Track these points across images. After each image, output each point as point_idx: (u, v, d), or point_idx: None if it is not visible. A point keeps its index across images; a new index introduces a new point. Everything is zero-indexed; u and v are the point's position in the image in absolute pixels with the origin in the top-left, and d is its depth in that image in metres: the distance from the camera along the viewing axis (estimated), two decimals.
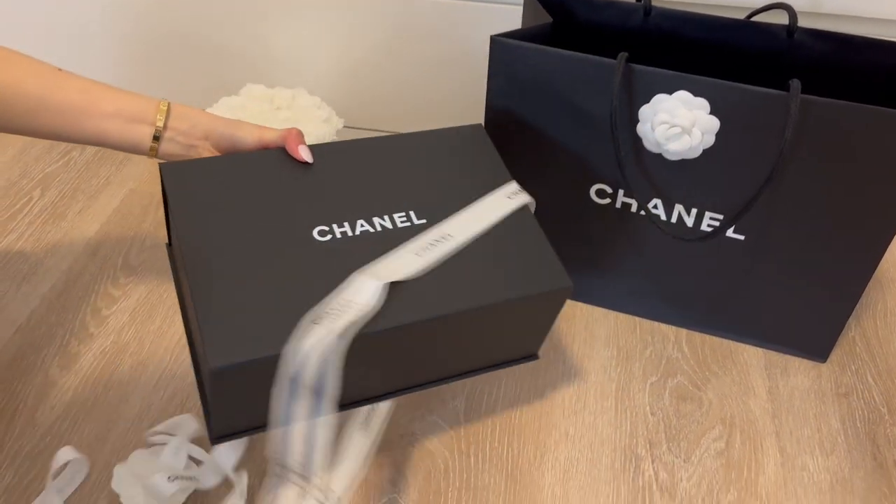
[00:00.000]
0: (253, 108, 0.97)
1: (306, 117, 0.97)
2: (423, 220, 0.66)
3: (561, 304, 0.68)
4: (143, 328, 0.91)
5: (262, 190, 0.65)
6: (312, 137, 0.94)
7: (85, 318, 0.92)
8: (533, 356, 0.76)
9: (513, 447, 0.80)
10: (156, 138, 0.68)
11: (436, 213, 0.67)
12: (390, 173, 0.69)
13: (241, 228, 0.62)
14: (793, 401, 0.85)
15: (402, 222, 0.66)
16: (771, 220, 0.79)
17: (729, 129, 0.74)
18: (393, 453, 0.79)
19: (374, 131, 1.11)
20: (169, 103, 0.69)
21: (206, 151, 0.70)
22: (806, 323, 0.87)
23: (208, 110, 0.96)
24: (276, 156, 0.68)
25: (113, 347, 0.88)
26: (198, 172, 0.65)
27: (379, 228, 0.64)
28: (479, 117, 1.06)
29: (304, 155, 0.67)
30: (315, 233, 0.63)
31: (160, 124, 0.67)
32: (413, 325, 0.60)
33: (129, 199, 1.10)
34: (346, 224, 0.64)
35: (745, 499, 0.76)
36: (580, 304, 0.96)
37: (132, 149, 0.68)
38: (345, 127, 1.10)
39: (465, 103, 1.06)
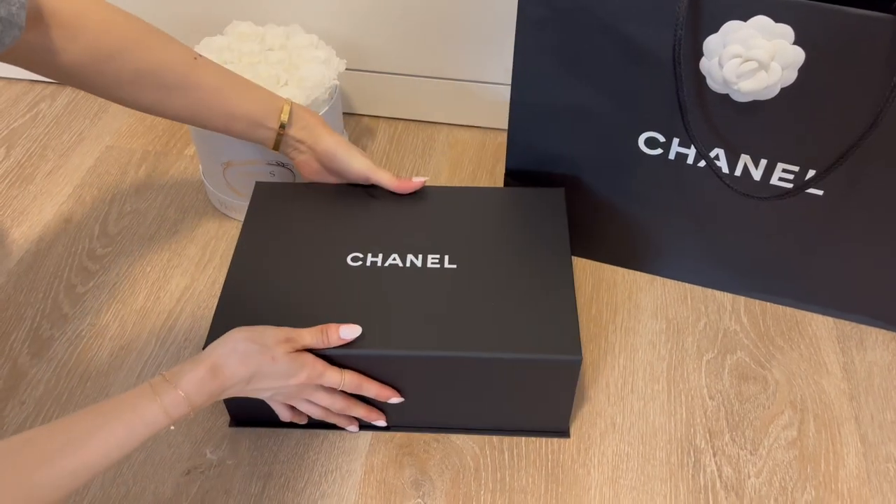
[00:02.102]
0: (240, 48, 0.83)
1: (302, 58, 0.84)
2: (454, 266, 0.68)
3: (573, 377, 0.63)
4: (124, 307, 0.80)
5: (325, 214, 0.73)
6: (310, 82, 0.80)
7: (58, 297, 0.80)
8: (562, 432, 0.70)
9: (552, 441, 0.69)
10: (276, 145, 0.72)
11: (471, 262, 0.68)
12: (446, 219, 0.72)
13: (289, 246, 0.70)
14: (872, 379, 0.74)
15: (433, 263, 0.68)
16: (860, 171, 0.66)
17: (816, 62, 0.61)
18: (415, 450, 0.68)
19: (380, 73, 0.98)
20: (291, 108, 0.71)
21: (312, 160, 0.74)
22: (886, 287, 0.75)
23: None
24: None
25: (90, 331, 0.77)
26: (284, 194, 0.75)
27: (408, 265, 0.68)
28: (505, 56, 0.93)
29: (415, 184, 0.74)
30: (349, 258, 0.69)
31: (279, 133, 0.71)
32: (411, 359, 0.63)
33: (105, 156, 0.97)
34: (379, 255, 0.68)
35: (824, 497, 0.65)
36: (622, 270, 0.84)
37: (254, 142, 0.73)
38: (347, 70, 0.96)
39: (489, 40, 0.92)
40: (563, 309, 0.64)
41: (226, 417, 0.70)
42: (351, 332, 0.62)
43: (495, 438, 0.69)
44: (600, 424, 0.70)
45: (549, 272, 0.67)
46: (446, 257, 0.68)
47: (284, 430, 0.69)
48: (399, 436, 0.69)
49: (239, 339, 0.58)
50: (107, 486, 0.65)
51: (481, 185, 0.93)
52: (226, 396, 0.58)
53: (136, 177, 0.94)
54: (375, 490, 0.66)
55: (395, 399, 0.65)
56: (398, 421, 0.69)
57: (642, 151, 0.73)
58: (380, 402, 0.65)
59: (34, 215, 0.89)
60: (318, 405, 0.64)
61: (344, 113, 0.99)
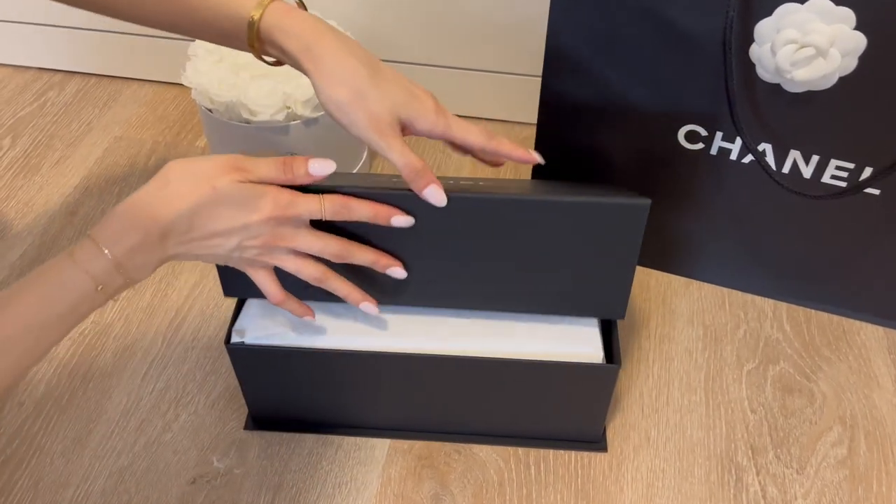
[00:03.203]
0: None
1: None
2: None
3: (638, 229, 0.52)
4: (129, 305, 0.76)
5: None
6: None
7: None
8: (599, 443, 0.65)
9: (582, 454, 0.64)
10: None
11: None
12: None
13: None
14: None
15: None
16: None
17: (878, 49, 0.56)
18: (434, 462, 0.64)
19: (401, 63, 0.94)
20: (262, 14, 0.51)
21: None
22: None
23: (191, 48, 0.79)
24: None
25: (93, 329, 0.73)
26: None
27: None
28: (532, 46, 0.88)
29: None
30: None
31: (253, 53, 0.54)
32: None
33: (113, 147, 0.94)
34: None
35: None
36: (656, 273, 0.79)
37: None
38: None
39: (517, 28, 0.88)
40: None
41: (235, 422, 0.66)
42: (323, 166, 0.48)
43: (521, 451, 0.64)
44: (634, 438, 0.66)
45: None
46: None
47: (297, 437, 0.65)
48: (418, 447, 0.65)
49: (169, 170, 0.46)
50: (108, 494, 0.61)
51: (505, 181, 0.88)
52: (173, 251, 0.47)
53: (146, 168, 0.91)
54: None
55: (402, 220, 0.50)
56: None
57: (682, 146, 0.68)
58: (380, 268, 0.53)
59: (39, 207, 0.85)
60: (307, 258, 0.51)
61: None
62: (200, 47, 0.78)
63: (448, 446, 0.65)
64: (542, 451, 0.64)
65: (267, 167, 0.48)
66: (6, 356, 0.42)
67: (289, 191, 0.49)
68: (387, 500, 0.62)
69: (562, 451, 0.64)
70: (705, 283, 0.78)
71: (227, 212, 0.47)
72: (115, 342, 0.72)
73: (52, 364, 0.70)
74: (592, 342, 0.59)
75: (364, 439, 0.65)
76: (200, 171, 0.46)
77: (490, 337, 0.59)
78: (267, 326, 0.60)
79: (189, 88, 0.77)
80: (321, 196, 0.49)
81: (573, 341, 0.59)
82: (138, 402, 0.68)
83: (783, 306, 0.76)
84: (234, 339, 0.60)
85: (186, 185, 0.46)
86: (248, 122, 0.75)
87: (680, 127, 0.67)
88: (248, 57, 0.75)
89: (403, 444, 0.65)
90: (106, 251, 0.44)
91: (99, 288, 0.45)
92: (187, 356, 0.71)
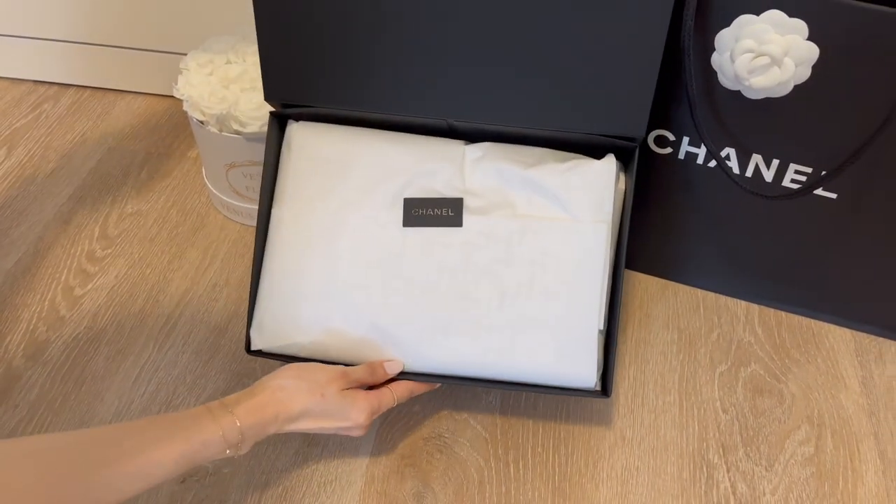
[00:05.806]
0: (246, 50, 0.82)
1: None
2: None
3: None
4: (122, 311, 0.78)
5: None
6: None
7: (55, 299, 0.79)
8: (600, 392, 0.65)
9: (559, 453, 0.67)
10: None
11: None
12: None
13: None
14: (892, 394, 0.72)
15: None
16: (874, 174, 0.64)
17: (830, 59, 0.59)
18: (417, 461, 0.66)
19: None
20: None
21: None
22: None
23: (190, 53, 0.81)
24: None
25: (87, 334, 0.75)
26: None
27: None
28: None
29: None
30: None
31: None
32: None
33: (107, 158, 0.96)
34: None
35: None
36: (633, 279, 0.82)
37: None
38: None
39: None
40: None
41: None
42: (394, 366, 0.63)
43: (500, 449, 0.67)
44: (609, 437, 0.68)
45: None
46: None
47: (283, 438, 0.67)
48: (401, 445, 0.67)
49: (288, 377, 0.58)
50: None
51: None
52: (273, 431, 0.56)
53: (139, 178, 0.93)
54: (376, 501, 0.63)
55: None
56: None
57: (652, 150, 0.71)
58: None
59: (34, 216, 0.88)
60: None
61: None
62: (192, 60, 0.80)
63: (430, 445, 0.67)
64: (520, 449, 0.67)
65: (359, 373, 0.61)
66: (133, 488, 0.48)
67: (375, 397, 0.61)
68: (371, 497, 0.64)
69: (539, 449, 0.67)
70: (681, 289, 0.81)
71: (330, 417, 0.59)
72: (107, 346, 0.74)
73: (46, 368, 0.72)
74: (588, 366, 0.62)
75: (348, 440, 0.67)
76: (313, 378, 0.58)
77: (489, 359, 0.63)
78: (280, 338, 0.65)
79: (181, 101, 0.79)
80: (391, 389, 0.62)
81: (570, 363, 0.62)
82: (129, 404, 0.70)
83: (755, 310, 0.79)
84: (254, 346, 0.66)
85: (300, 389, 0.57)
86: (238, 133, 0.78)
87: (649, 132, 0.70)
88: (238, 70, 0.78)
89: (387, 444, 0.67)
90: (241, 426, 0.53)
91: (228, 451, 0.53)
92: (178, 360, 0.73)
